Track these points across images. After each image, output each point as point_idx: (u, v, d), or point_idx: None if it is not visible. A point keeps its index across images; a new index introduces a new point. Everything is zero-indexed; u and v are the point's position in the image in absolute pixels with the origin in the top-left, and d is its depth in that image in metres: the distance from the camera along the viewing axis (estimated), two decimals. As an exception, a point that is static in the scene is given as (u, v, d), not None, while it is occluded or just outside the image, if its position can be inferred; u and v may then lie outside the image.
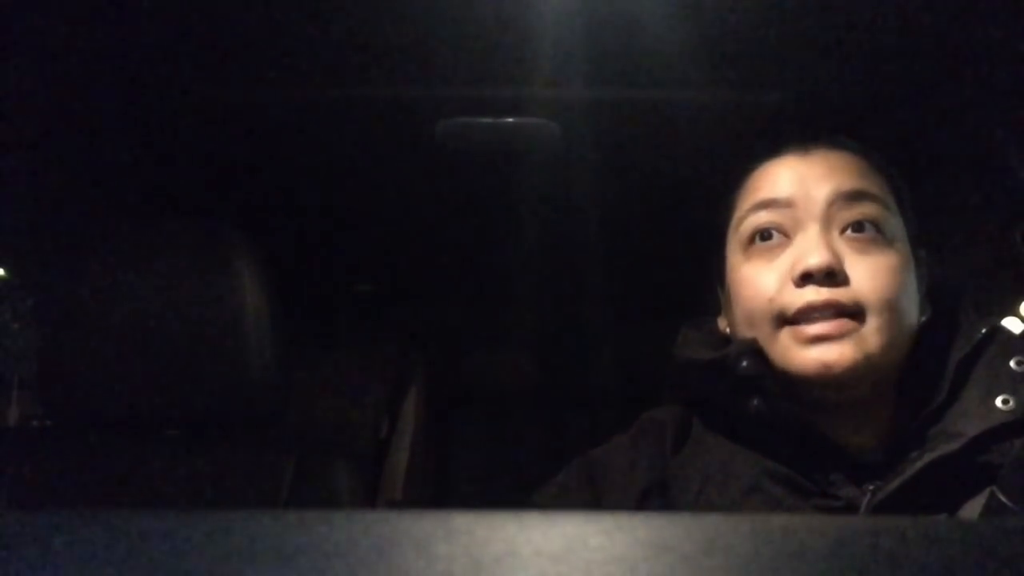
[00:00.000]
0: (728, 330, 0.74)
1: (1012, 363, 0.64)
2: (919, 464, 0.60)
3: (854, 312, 0.63)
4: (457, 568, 0.28)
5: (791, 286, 0.65)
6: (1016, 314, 1.17)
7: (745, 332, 0.69)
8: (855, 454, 0.65)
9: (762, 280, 0.67)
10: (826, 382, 0.63)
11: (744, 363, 0.67)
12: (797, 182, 0.68)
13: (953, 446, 0.60)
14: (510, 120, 1.14)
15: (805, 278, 0.63)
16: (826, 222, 0.66)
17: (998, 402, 0.62)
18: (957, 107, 1.08)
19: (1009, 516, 0.52)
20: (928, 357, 0.67)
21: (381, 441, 1.78)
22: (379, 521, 0.30)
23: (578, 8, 0.92)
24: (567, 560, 0.28)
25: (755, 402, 0.67)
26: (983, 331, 0.66)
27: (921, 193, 1.11)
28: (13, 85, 1.04)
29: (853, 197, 0.66)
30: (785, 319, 0.65)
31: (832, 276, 0.63)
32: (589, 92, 1.08)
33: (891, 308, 0.63)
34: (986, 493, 0.59)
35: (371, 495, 1.65)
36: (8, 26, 0.94)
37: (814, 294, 0.63)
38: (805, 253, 0.64)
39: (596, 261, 1.62)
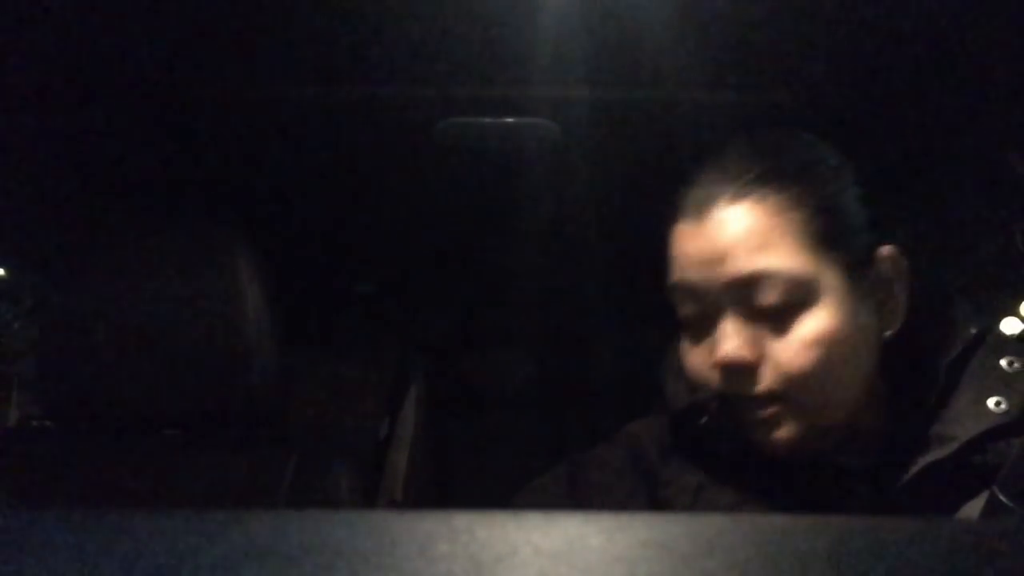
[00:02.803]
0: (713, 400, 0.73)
1: (1003, 363, 0.63)
2: (913, 470, 0.60)
3: (774, 399, 0.61)
4: (457, 568, 0.28)
5: (716, 371, 0.63)
6: (1016, 314, 1.17)
7: None
8: (846, 464, 0.64)
9: (693, 363, 0.66)
10: (778, 454, 0.63)
11: (704, 419, 0.67)
12: (699, 267, 0.64)
13: (946, 450, 0.60)
14: (510, 120, 1.14)
15: (724, 368, 0.62)
16: (736, 304, 0.62)
17: (990, 404, 0.61)
18: (957, 107, 1.08)
19: (1009, 516, 0.52)
20: (920, 359, 0.66)
21: (381, 441, 1.78)
22: (379, 521, 0.30)
23: (578, 8, 0.92)
24: (567, 560, 0.28)
25: (723, 443, 0.66)
26: (973, 332, 0.65)
27: (921, 193, 1.11)
28: (13, 85, 1.04)
29: (753, 282, 0.61)
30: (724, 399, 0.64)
31: (749, 366, 0.61)
32: (589, 92, 1.08)
33: (816, 383, 0.61)
34: (985, 493, 0.58)
35: (371, 495, 1.64)
36: (8, 26, 0.93)
37: (732, 387, 0.62)
38: (718, 345, 0.62)
39: (596, 261, 1.62)
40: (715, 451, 0.67)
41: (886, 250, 0.65)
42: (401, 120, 1.14)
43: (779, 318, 0.61)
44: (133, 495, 0.92)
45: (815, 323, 0.61)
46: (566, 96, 1.09)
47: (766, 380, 0.61)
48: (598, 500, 0.71)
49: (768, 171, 0.64)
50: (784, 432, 0.62)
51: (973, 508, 0.59)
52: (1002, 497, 0.54)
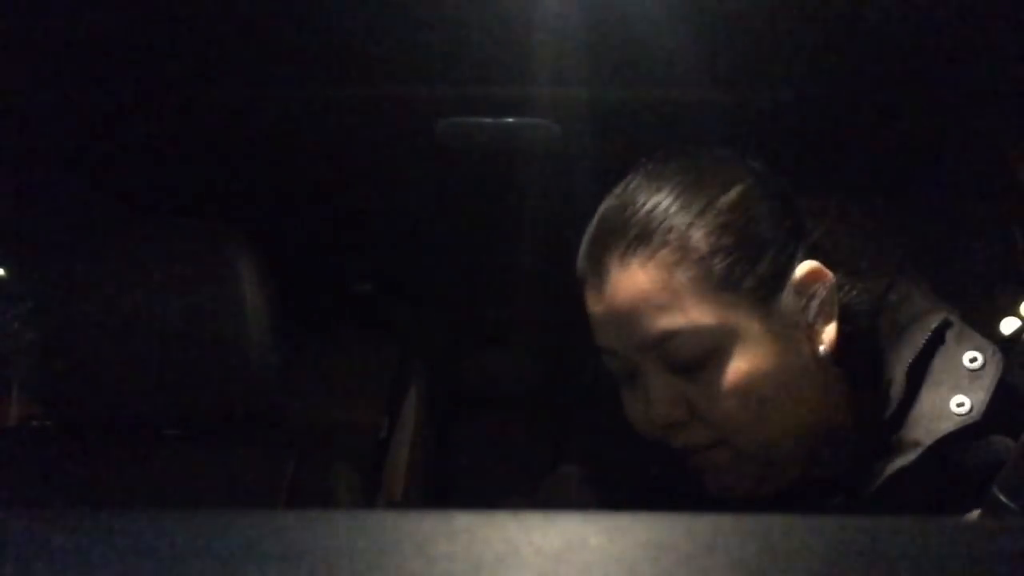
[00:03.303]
0: None
1: (966, 360, 0.60)
2: (878, 480, 0.58)
3: (715, 443, 0.60)
4: (457, 568, 0.28)
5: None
6: (1016, 314, 1.17)
7: None
8: (813, 477, 0.63)
9: (634, 414, 0.64)
10: (734, 497, 0.62)
11: (654, 471, 0.66)
12: (611, 329, 0.62)
13: (910, 457, 0.58)
14: (510, 120, 1.14)
15: (662, 426, 0.61)
16: (652, 365, 0.61)
17: (952, 405, 0.58)
18: (957, 107, 1.08)
19: (1009, 516, 0.52)
20: (879, 355, 0.64)
21: (381, 441, 1.77)
22: (379, 521, 0.30)
23: (578, 8, 0.92)
24: (567, 560, 0.28)
25: (683, 487, 0.65)
26: (933, 327, 0.62)
27: (921, 193, 1.11)
28: (13, 85, 1.04)
29: (660, 342, 0.59)
30: (671, 450, 0.63)
31: (680, 419, 0.60)
32: (589, 92, 1.08)
33: (754, 418, 0.59)
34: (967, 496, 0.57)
35: (371, 495, 1.64)
36: (8, 25, 0.93)
37: (679, 440, 0.61)
38: (650, 403, 0.61)
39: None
40: (676, 493, 0.65)
41: (805, 268, 0.61)
42: (401, 120, 1.14)
43: (698, 370, 0.59)
44: (133, 495, 0.92)
45: (735, 369, 0.58)
46: (566, 96, 1.09)
47: (704, 432, 0.60)
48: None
49: (650, 218, 0.60)
50: (733, 478, 0.61)
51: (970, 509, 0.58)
52: (1002, 497, 0.53)
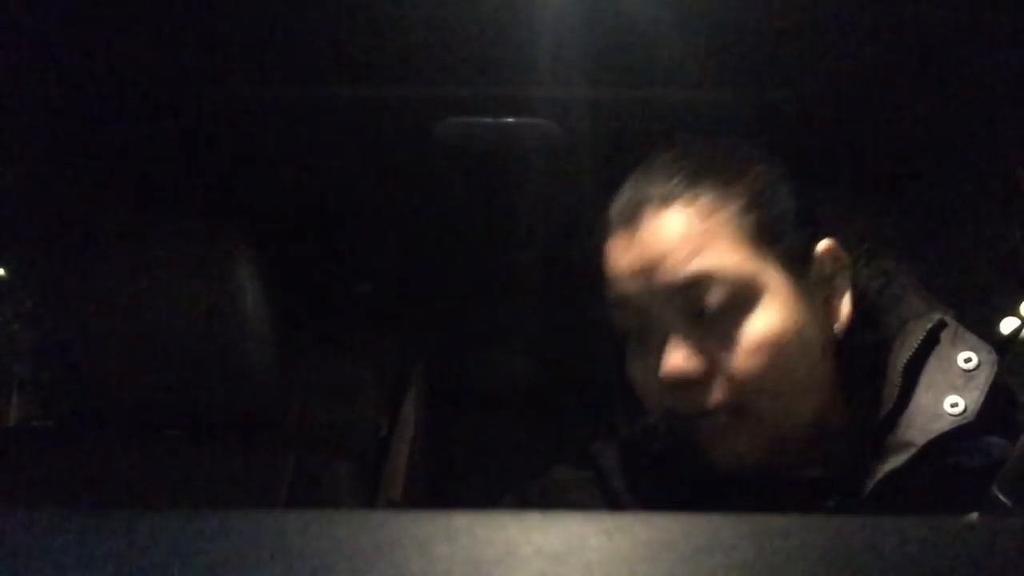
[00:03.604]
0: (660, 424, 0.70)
1: (960, 360, 0.60)
2: (872, 481, 0.58)
3: (728, 411, 0.59)
4: (457, 568, 0.27)
5: (664, 387, 0.60)
6: (1016, 314, 1.17)
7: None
8: (807, 475, 0.63)
9: (640, 379, 0.63)
10: (736, 470, 0.61)
11: (656, 444, 0.65)
12: (636, 279, 0.61)
13: (903, 458, 0.57)
14: (510, 120, 1.13)
15: (669, 387, 0.59)
16: (677, 313, 0.60)
17: (946, 406, 0.58)
18: (957, 107, 1.08)
19: (1009, 516, 0.52)
20: (878, 361, 0.64)
21: (381, 441, 1.78)
22: (379, 521, 0.30)
23: (578, 8, 0.92)
24: (567, 560, 0.28)
25: (682, 464, 0.64)
26: (928, 328, 0.62)
27: (921, 193, 1.11)
28: (13, 84, 1.04)
29: (693, 286, 0.59)
30: (674, 416, 0.61)
31: (696, 378, 0.58)
32: (589, 92, 1.08)
33: (770, 385, 0.58)
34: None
35: (371, 495, 1.64)
36: (8, 25, 0.93)
37: (682, 403, 0.59)
38: (663, 359, 0.59)
39: (596, 261, 1.61)
40: (673, 476, 0.65)
41: (824, 245, 0.63)
42: (401, 120, 1.14)
43: (723, 323, 0.59)
44: (133, 495, 0.92)
45: (762, 324, 0.58)
46: (566, 96, 1.09)
47: (718, 392, 0.58)
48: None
49: (694, 172, 0.62)
50: (743, 445, 0.59)
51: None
52: (1002, 497, 0.53)
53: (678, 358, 0.58)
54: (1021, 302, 1.16)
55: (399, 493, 1.71)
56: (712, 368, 0.58)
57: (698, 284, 0.59)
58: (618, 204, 0.65)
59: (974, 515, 0.56)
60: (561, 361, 2.12)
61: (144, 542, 0.29)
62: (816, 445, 0.63)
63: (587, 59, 1.01)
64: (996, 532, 0.31)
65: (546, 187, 1.34)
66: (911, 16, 0.93)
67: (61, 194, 1.28)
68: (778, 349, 0.58)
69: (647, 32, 0.94)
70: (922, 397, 0.60)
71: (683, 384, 0.59)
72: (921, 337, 0.62)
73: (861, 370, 0.64)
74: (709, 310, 0.59)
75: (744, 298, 0.59)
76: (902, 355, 0.62)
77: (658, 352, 0.60)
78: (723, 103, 1.09)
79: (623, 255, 0.62)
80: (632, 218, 0.63)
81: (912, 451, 0.58)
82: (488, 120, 1.13)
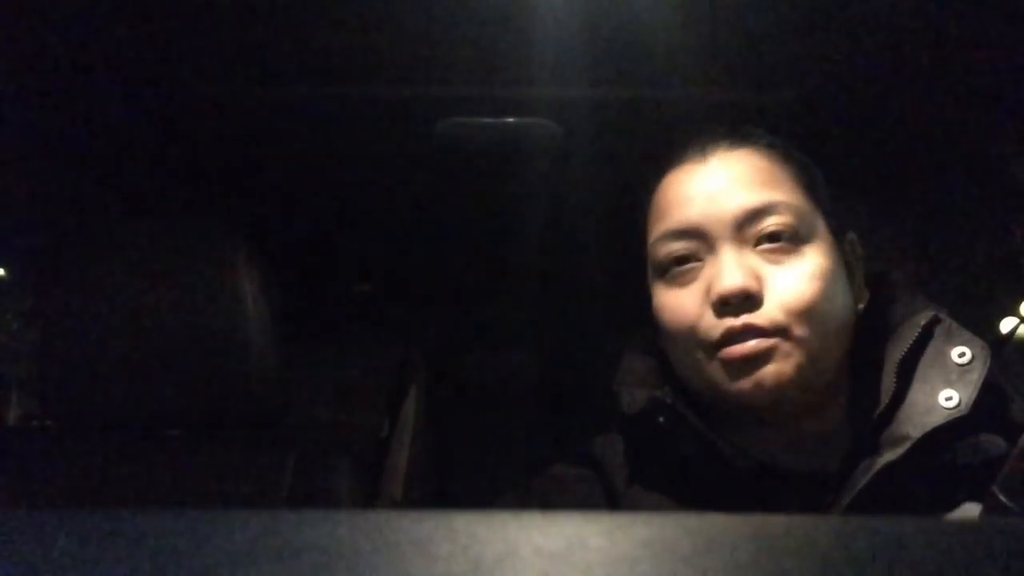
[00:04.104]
0: (666, 398, 0.70)
1: (954, 355, 0.62)
2: (868, 475, 0.58)
3: (775, 330, 0.61)
4: (457, 568, 0.27)
5: (710, 312, 0.62)
6: (1016, 314, 1.17)
7: (675, 356, 0.67)
8: (806, 470, 0.63)
9: (682, 308, 0.65)
10: (759, 401, 0.61)
11: (661, 419, 0.66)
12: (702, 202, 0.65)
13: (899, 451, 0.58)
14: (510, 120, 1.14)
15: (723, 304, 0.61)
16: (737, 239, 0.63)
17: (941, 399, 0.60)
18: (957, 107, 1.08)
19: (1009, 516, 0.52)
20: (874, 354, 0.65)
21: (381, 441, 1.78)
22: (379, 521, 0.30)
23: (578, 8, 0.92)
24: (567, 560, 0.28)
25: (684, 446, 0.65)
26: (923, 324, 0.63)
27: (921, 193, 1.11)
28: (13, 84, 1.04)
29: (761, 211, 0.63)
30: (710, 344, 0.62)
31: (750, 297, 0.61)
32: (589, 92, 1.08)
33: (816, 316, 0.61)
34: (966, 508, 0.57)
35: (371, 495, 1.64)
36: (8, 25, 0.93)
37: (732, 320, 0.61)
38: (718, 278, 0.62)
39: (596, 261, 1.62)
40: (675, 454, 0.66)
41: (849, 235, 0.70)
42: (401, 120, 1.14)
43: (779, 252, 0.63)
44: (133, 495, 0.92)
45: (815, 258, 0.63)
46: (566, 96, 1.09)
47: (768, 311, 0.61)
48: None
49: (752, 132, 0.69)
50: (778, 367, 0.61)
51: (967, 508, 0.58)
52: (1002, 497, 0.53)
53: (738, 273, 0.61)
54: (1021, 302, 1.16)
55: (399, 493, 1.71)
56: (763, 291, 0.62)
57: (765, 210, 0.63)
58: (681, 148, 0.69)
59: (974, 515, 0.56)
60: (561, 360, 2.12)
61: (144, 542, 0.29)
62: (815, 439, 0.64)
63: (587, 59, 1.01)
64: (996, 532, 0.31)
65: (546, 187, 1.34)
66: (911, 16, 0.93)
67: (61, 194, 1.29)
68: (824, 285, 0.62)
69: (647, 32, 0.94)
70: (917, 392, 0.62)
71: (739, 299, 0.61)
72: (916, 333, 0.63)
73: (860, 364, 0.65)
74: (770, 237, 0.63)
75: (800, 233, 0.63)
76: (897, 351, 0.63)
77: (710, 275, 0.63)
78: (723, 103, 1.09)
79: (692, 184, 0.66)
80: (704, 151, 0.67)
81: (908, 444, 0.59)
82: (488, 120, 1.13)
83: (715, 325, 0.62)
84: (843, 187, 0.72)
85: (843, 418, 0.65)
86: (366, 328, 1.94)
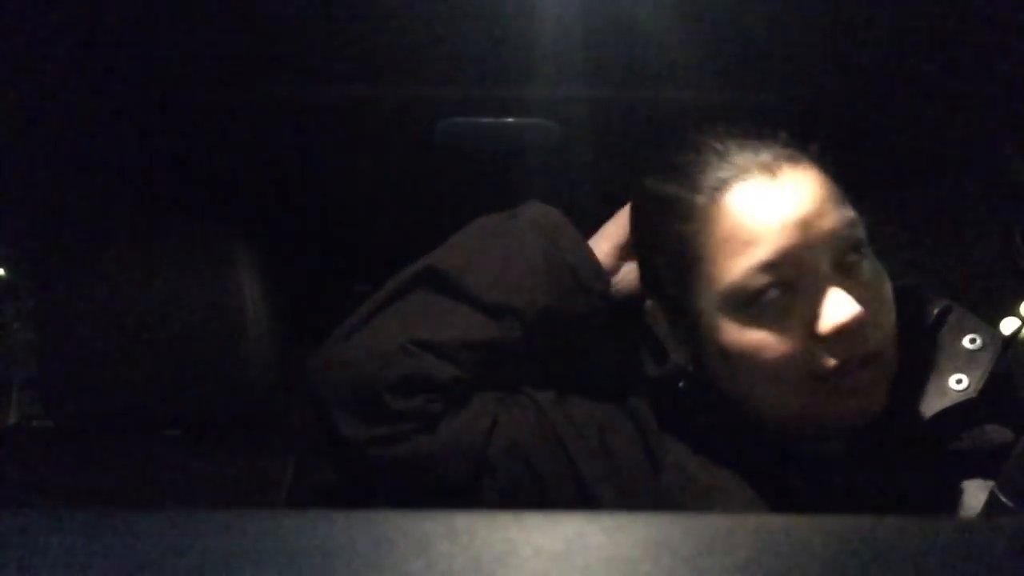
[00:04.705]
0: (691, 368, 0.68)
1: (965, 341, 0.63)
2: (879, 456, 0.60)
3: (876, 352, 0.59)
4: (457, 568, 0.27)
5: (816, 343, 0.59)
6: (1016, 314, 1.16)
7: (761, 392, 0.63)
8: (817, 448, 0.64)
9: (783, 346, 0.60)
10: (861, 423, 0.61)
11: (681, 384, 0.66)
12: (791, 229, 0.59)
13: (909, 432, 0.60)
14: (510, 120, 1.13)
15: (837, 335, 0.58)
16: (829, 263, 0.60)
17: (951, 382, 0.61)
18: (957, 107, 1.08)
19: (1009, 516, 0.52)
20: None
21: (381, 441, 1.77)
22: (379, 521, 0.30)
23: (578, 8, 0.92)
24: (567, 560, 0.28)
25: (700, 419, 0.66)
26: (936, 312, 0.65)
27: (921, 193, 1.11)
28: (13, 84, 1.04)
29: (847, 231, 0.60)
30: (819, 378, 0.60)
31: (864, 321, 0.58)
32: (589, 92, 1.08)
33: (892, 331, 0.61)
34: (968, 488, 0.58)
35: (371, 495, 1.64)
36: (8, 25, 0.94)
37: (847, 352, 0.58)
38: (830, 308, 0.58)
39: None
40: (698, 424, 0.66)
41: None
42: (401, 120, 1.14)
43: (860, 272, 0.60)
44: (133, 495, 0.92)
45: (878, 269, 0.62)
46: (566, 96, 1.09)
47: (873, 338, 0.59)
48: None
49: (783, 139, 0.66)
50: (880, 392, 0.60)
51: (967, 504, 0.59)
52: (1002, 497, 0.53)
53: (848, 303, 0.57)
54: (1021, 302, 1.16)
55: (399, 493, 1.71)
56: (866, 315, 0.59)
57: (850, 229, 0.60)
58: (740, 162, 0.63)
59: (974, 515, 0.56)
60: (561, 361, 2.11)
61: (144, 542, 0.29)
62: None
63: (587, 59, 1.00)
64: (996, 532, 0.31)
65: (546, 187, 1.34)
66: (911, 16, 0.93)
67: (61, 194, 1.28)
68: (892, 304, 0.62)
69: (647, 32, 0.94)
70: (927, 374, 0.63)
71: (850, 331, 0.58)
72: (929, 321, 0.65)
73: None
74: (851, 259, 0.60)
75: (867, 250, 0.62)
76: (910, 338, 0.64)
77: (810, 305, 0.59)
78: (723, 103, 1.09)
79: (771, 204, 0.60)
80: (769, 168, 0.62)
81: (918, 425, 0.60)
82: (488, 120, 1.13)
83: (826, 359, 0.59)
84: (843, 187, 0.72)
85: None
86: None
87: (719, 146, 0.65)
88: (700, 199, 0.63)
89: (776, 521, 0.30)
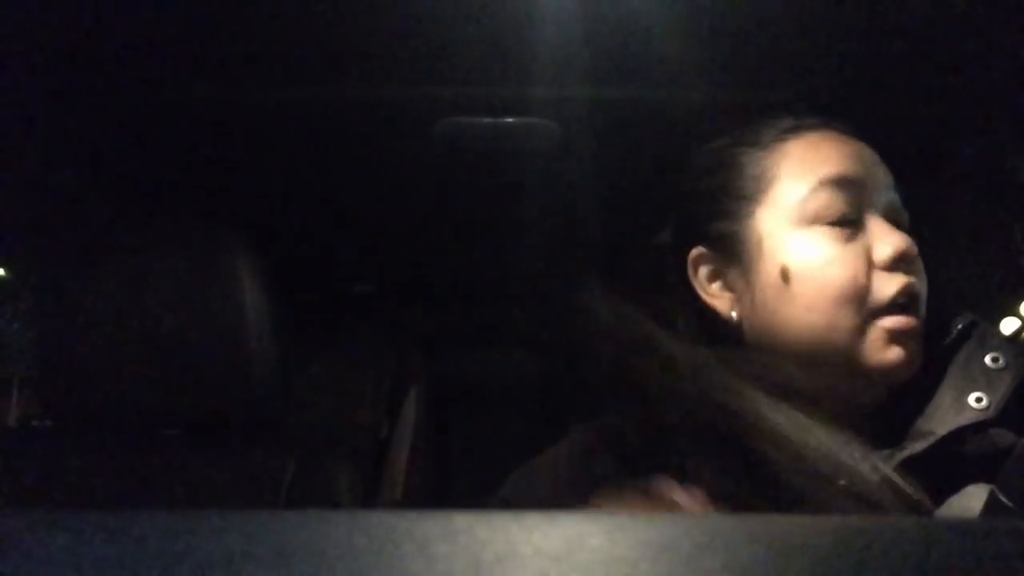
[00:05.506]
0: (736, 315, 0.69)
1: (988, 359, 0.63)
2: (890, 464, 0.59)
3: (920, 306, 0.63)
4: (457, 568, 0.27)
5: (879, 272, 0.63)
6: (1016, 314, 1.17)
7: (817, 319, 0.63)
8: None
9: (850, 263, 0.63)
10: (898, 377, 0.63)
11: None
12: (859, 162, 0.67)
13: (922, 445, 0.59)
14: (510, 120, 1.13)
15: (897, 262, 0.63)
16: (880, 210, 0.66)
17: (971, 400, 0.61)
18: (958, 107, 1.08)
19: (1009, 516, 0.52)
20: None
21: (381, 441, 1.78)
22: (379, 521, 0.30)
23: (578, 8, 0.92)
24: (567, 560, 0.28)
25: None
26: (960, 326, 0.65)
27: (921, 193, 1.11)
28: (13, 84, 1.04)
29: (896, 190, 0.68)
30: (878, 308, 0.62)
31: (913, 263, 0.64)
32: (589, 92, 1.08)
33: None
34: (969, 491, 0.58)
35: (371, 495, 1.64)
36: (8, 25, 0.93)
37: (905, 278, 0.63)
38: (892, 236, 0.63)
39: (596, 261, 1.62)
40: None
41: None
42: (401, 120, 1.14)
43: (902, 225, 0.66)
44: (133, 495, 0.92)
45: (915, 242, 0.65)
46: (566, 96, 1.09)
47: (918, 283, 0.64)
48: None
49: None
50: (916, 347, 0.63)
51: (967, 505, 0.59)
52: (1002, 497, 0.53)
53: (904, 236, 0.64)
54: (1021, 302, 1.16)
55: (399, 493, 1.71)
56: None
57: (898, 188, 0.68)
58: (808, 118, 0.71)
59: (974, 515, 0.56)
60: (561, 361, 2.12)
61: (144, 542, 0.29)
62: (857, 422, 0.65)
63: (587, 59, 1.01)
64: (996, 532, 0.31)
65: (546, 187, 1.34)
66: (911, 16, 0.93)
67: (61, 195, 1.28)
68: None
69: (647, 32, 0.94)
70: (947, 390, 0.63)
71: (907, 259, 0.63)
72: (953, 335, 0.65)
73: None
74: (898, 218, 0.67)
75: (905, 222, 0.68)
76: (933, 350, 0.65)
77: (873, 236, 0.64)
78: (723, 103, 1.09)
79: (846, 144, 0.69)
80: (835, 128, 0.71)
81: (932, 440, 0.60)
82: (488, 120, 1.13)
83: (887, 285, 0.63)
84: None
85: (875, 404, 0.67)
86: (366, 328, 1.94)
87: (786, 110, 0.72)
88: (775, 134, 0.70)
89: (776, 521, 0.30)
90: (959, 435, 0.60)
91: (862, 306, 0.62)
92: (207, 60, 1.03)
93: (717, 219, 0.71)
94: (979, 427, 0.60)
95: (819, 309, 0.63)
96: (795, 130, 0.70)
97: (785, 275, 0.65)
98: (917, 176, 1.19)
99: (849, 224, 0.65)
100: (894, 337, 0.62)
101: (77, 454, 0.95)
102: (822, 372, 0.63)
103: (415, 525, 0.29)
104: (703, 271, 0.72)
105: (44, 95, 1.07)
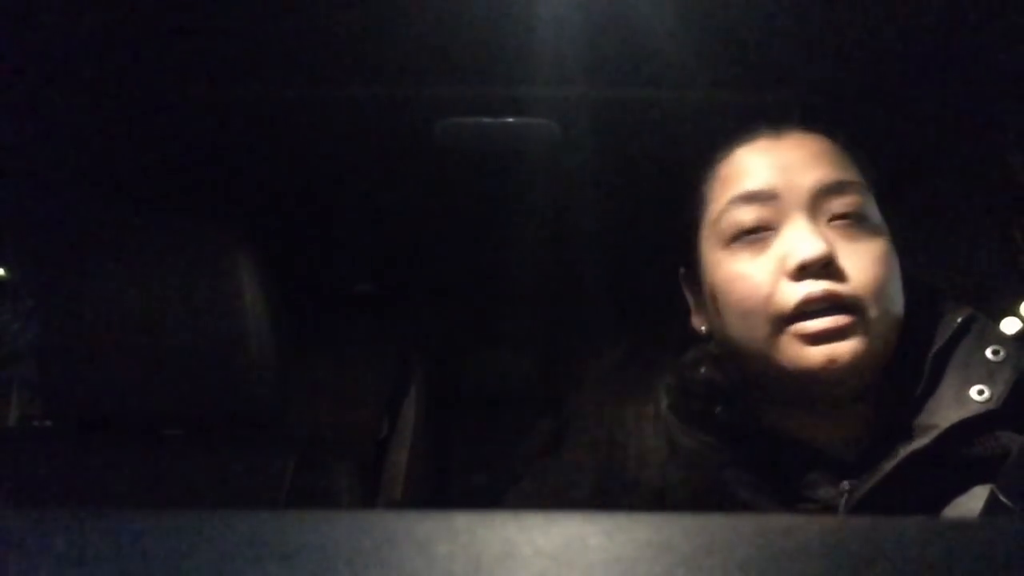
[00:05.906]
0: (704, 328, 0.72)
1: (988, 352, 0.63)
2: (894, 460, 0.59)
3: (852, 305, 0.61)
4: (457, 568, 0.27)
5: (785, 281, 0.62)
6: (1016, 314, 1.17)
7: (738, 332, 0.66)
8: (832, 452, 0.64)
9: (754, 277, 0.64)
10: (829, 379, 0.61)
11: (703, 369, 0.67)
12: (778, 170, 0.65)
13: (925, 440, 0.59)
14: (510, 120, 1.14)
15: (801, 271, 0.61)
16: (812, 212, 0.63)
17: (973, 393, 0.61)
18: (957, 107, 1.08)
19: (1009, 516, 0.52)
20: (908, 349, 0.66)
21: (381, 441, 1.78)
22: (379, 521, 0.30)
23: (578, 8, 0.92)
24: (567, 560, 0.28)
25: (718, 410, 0.66)
26: (959, 320, 0.65)
27: (921, 193, 1.11)
28: (14, 84, 1.04)
29: (837, 188, 0.64)
30: (783, 317, 0.62)
31: (828, 267, 0.61)
32: (589, 92, 1.08)
33: (885, 298, 0.62)
34: (975, 492, 0.58)
35: (371, 495, 1.64)
36: (8, 25, 0.94)
37: (811, 286, 0.60)
38: (798, 243, 0.62)
39: (596, 261, 1.62)
40: (714, 416, 0.67)
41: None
42: (401, 120, 1.14)
43: (851, 230, 0.63)
44: (133, 495, 0.92)
45: (881, 244, 0.64)
46: (566, 96, 1.09)
47: (841, 286, 0.61)
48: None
49: (816, 122, 0.71)
50: (854, 345, 0.60)
51: (968, 505, 0.59)
52: (1002, 497, 0.53)
53: (819, 240, 0.61)
54: (1021, 302, 1.16)
55: (399, 493, 1.71)
56: (838, 263, 0.62)
57: (840, 187, 0.64)
58: (755, 126, 0.71)
59: (974, 515, 0.56)
60: (561, 361, 2.12)
61: (144, 542, 0.29)
62: (847, 418, 0.66)
63: (587, 59, 1.01)
64: (996, 532, 0.31)
65: (546, 187, 1.34)
66: (911, 16, 0.93)
67: (61, 194, 1.29)
68: (892, 270, 0.64)
69: (647, 32, 0.94)
70: (949, 385, 0.63)
71: (820, 266, 0.61)
72: (953, 329, 0.65)
73: (895, 358, 0.66)
74: (842, 216, 0.64)
75: (868, 217, 0.65)
76: (933, 344, 0.64)
77: (785, 243, 0.63)
78: (723, 103, 1.09)
79: (768, 154, 0.67)
80: (778, 130, 0.69)
81: (935, 433, 0.59)
82: (488, 120, 1.13)
83: (791, 295, 0.61)
84: (872, 174, 0.73)
85: (874, 406, 0.66)
86: (366, 328, 1.94)
87: (734, 130, 0.72)
88: (719, 155, 0.71)
89: (776, 521, 0.30)
90: (964, 430, 0.60)
91: (772, 316, 0.62)
92: (207, 60, 1.03)
93: (683, 243, 0.74)
94: (987, 428, 0.60)
95: (735, 324, 0.66)
96: (728, 147, 0.70)
97: (712, 294, 0.68)
98: (917, 176, 1.19)
99: (761, 237, 0.65)
100: (809, 340, 0.61)
101: (77, 454, 0.95)
102: (769, 377, 0.65)
103: (415, 525, 0.29)
104: (685, 289, 0.76)
105: (44, 95, 1.07)
